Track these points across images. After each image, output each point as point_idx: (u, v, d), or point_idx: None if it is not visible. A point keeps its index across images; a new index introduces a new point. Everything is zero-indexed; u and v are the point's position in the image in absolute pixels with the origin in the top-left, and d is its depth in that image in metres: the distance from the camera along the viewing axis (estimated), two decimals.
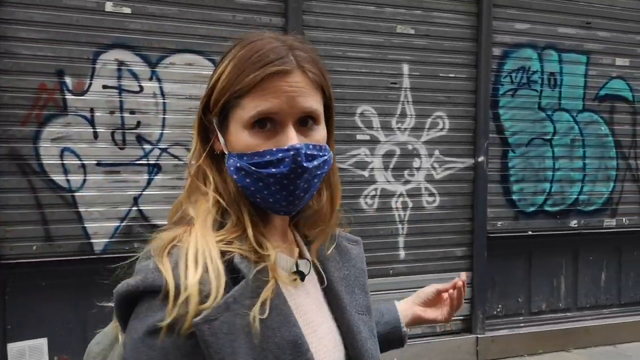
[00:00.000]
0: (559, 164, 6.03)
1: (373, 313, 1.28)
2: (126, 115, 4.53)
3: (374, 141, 5.31)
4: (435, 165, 5.53)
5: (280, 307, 1.03)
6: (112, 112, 4.50)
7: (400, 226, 5.43)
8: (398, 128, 5.39)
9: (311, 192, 1.10)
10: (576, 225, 6.12)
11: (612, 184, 6.27)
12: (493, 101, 5.71)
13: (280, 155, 1.02)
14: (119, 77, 4.50)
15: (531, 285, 6.04)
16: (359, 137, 5.24)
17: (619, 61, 6.23)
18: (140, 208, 4.57)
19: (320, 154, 1.07)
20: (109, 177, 4.50)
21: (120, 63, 4.50)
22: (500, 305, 5.93)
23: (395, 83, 5.35)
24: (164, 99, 4.62)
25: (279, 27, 4.92)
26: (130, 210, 4.56)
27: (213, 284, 0.95)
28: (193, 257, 0.96)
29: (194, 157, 1.11)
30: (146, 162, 4.60)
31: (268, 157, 1.03)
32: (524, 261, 6.02)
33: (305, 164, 1.03)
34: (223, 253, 1.00)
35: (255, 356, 0.97)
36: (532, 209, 5.93)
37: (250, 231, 1.04)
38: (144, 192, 4.59)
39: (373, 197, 5.33)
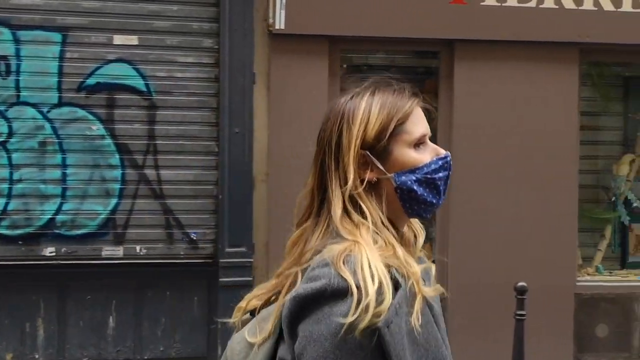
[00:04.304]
0: (21, 174, 4.65)
1: None
2: None
3: None
4: None
5: (430, 323, 1.22)
6: None
7: None
8: None
9: None
10: (54, 254, 4.69)
11: (114, 201, 4.76)
12: None
13: (441, 162, 1.29)
14: None
15: None
16: None
17: (121, 39, 4.73)
18: None
19: None
20: None
21: None
22: None
23: None
24: None
25: None
26: None
27: (387, 293, 1.10)
28: (368, 268, 1.12)
29: (350, 188, 1.23)
30: None
31: (433, 166, 1.28)
32: None
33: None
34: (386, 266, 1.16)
35: (416, 357, 1.15)
36: None
37: (399, 251, 1.21)
38: None
39: None
